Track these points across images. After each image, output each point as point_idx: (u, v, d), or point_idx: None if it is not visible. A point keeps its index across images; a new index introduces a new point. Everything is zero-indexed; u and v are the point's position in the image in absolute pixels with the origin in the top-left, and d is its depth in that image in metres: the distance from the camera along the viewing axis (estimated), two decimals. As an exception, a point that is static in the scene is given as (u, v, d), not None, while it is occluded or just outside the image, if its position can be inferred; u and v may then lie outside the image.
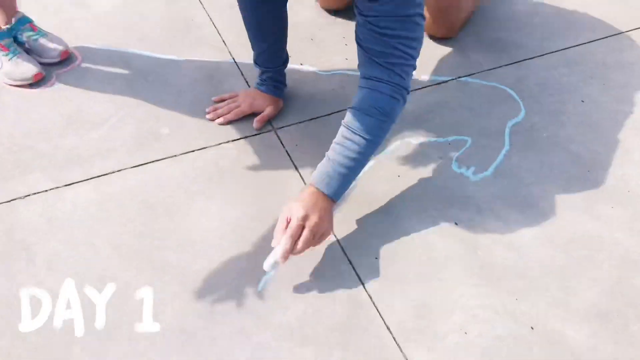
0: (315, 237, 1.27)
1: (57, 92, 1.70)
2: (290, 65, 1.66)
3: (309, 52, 1.86)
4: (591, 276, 1.33)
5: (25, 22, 1.76)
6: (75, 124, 1.62)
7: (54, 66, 1.77)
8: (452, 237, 1.39)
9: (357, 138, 1.29)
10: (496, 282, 1.32)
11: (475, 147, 1.59)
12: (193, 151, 1.56)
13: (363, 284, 1.31)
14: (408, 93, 1.33)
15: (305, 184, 1.49)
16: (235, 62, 1.82)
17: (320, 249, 1.35)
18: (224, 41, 1.89)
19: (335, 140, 1.32)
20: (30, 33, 1.76)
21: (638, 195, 1.49)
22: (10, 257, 1.33)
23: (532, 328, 1.25)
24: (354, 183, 1.39)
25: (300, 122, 1.65)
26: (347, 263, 1.34)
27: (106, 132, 1.60)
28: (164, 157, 1.55)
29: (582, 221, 1.43)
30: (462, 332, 1.24)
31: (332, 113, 1.67)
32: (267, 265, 1.25)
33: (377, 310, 1.27)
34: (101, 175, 1.50)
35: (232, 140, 1.59)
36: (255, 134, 1.61)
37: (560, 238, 1.40)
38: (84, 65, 1.79)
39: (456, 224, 1.42)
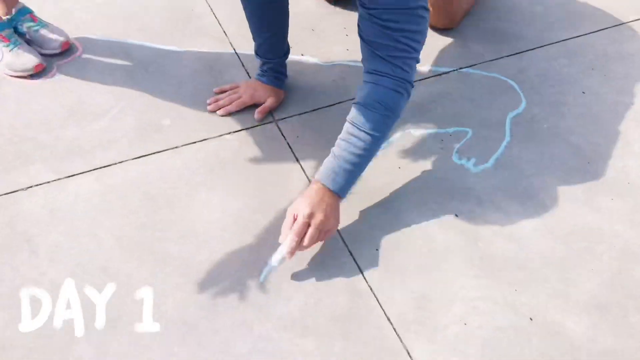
0: (321, 234, 1.28)
1: (58, 83, 1.70)
2: (291, 56, 1.65)
3: (309, 43, 1.85)
4: (591, 268, 1.34)
5: (25, 12, 1.76)
6: (77, 115, 1.62)
7: (55, 57, 1.76)
8: (452, 229, 1.40)
9: (361, 134, 1.29)
10: (496, 274, 1.32)
11: (475, 138, 1.60)
12: (194, 142, 1.56)
13: (364, 276, 1.32)
14: (412, 87, 1.32)
15: (306, 175, 1.49)
16: (236, 52, 1.82)
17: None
18: (224, 32, 1.89)
19: (340, 136, 1.32)
20: (31, 24, 1.75)
21: (638, 187, 1.50)
22: (12, 248, 1.34)
23: (531, 319, 1.25)
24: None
25: (301, 114, 1.65)
26: (348, 254, 1.35)
27: (107, 123, 1.60)
28: (166, 148, 1.55)
29: (582, 213, 1.44)
30: (462, 323, 1.25)
31: (334, 104, 1.67)
32: (274, 260, 1.28)
33: (378, 301, 1.28)
34: (103, 167, 1.50)
35: (234, 132, 1.59)
36: (257, 125, 1.61)
37: (561, 230, 1.40)
38: (84, 56, 1.78)
39: (456, 215, 1.43)
